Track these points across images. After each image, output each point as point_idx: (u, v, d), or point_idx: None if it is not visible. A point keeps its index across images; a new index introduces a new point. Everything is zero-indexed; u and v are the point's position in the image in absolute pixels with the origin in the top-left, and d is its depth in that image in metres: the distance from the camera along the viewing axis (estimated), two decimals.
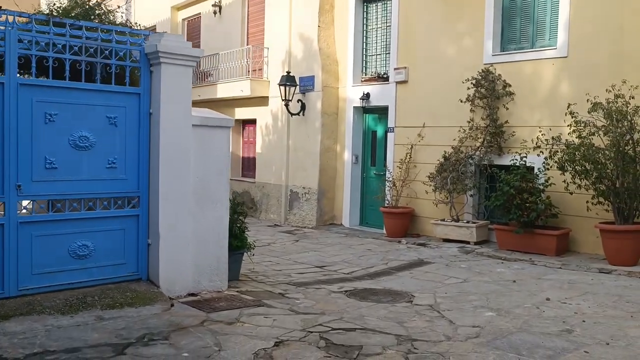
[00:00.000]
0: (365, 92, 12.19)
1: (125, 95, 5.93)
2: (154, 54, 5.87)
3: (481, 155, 10.21)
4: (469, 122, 10.34)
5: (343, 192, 12.82)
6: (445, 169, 10.50)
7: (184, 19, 18.37)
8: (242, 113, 15.31)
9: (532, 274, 7.95)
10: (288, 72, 12.84)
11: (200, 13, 17.38)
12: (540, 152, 8.95)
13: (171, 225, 6.06)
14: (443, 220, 10.50)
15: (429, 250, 9.88)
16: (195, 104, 16.92)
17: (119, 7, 8.80)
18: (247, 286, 7.20)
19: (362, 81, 12.52)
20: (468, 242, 10.01)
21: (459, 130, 10.42)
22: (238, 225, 7.46)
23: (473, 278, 7.81)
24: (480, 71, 10.14)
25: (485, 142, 10.13)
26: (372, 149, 12.68)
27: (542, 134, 8.98)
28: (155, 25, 19.15)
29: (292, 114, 13.16)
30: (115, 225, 5.91)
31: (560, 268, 8.26)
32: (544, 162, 8.98)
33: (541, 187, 9.12)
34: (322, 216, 12.91)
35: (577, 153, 8.21)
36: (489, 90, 10.07)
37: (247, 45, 14.68)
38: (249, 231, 7.83)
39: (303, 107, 13.09)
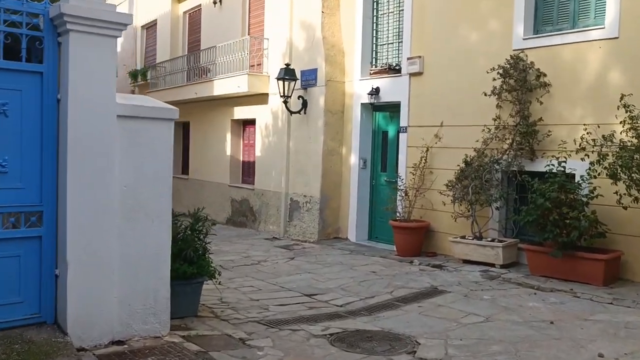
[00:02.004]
0: (375, 87, 10.52)
1: (21, 74, 4.37)
2: (60, 18, 4.32)
3: (509, 160, 8.47)
4: (495, 119, 8.61)
5: (349, 201, 11.16)
6: (466, 175, 8.78)
7: (185, 12, 16.96)
8: (241, 112, 13.78)
9: (574, 312, 6.19)
10: (287, 65, 11.25)
11: (200, 5, 15.94)
12: (585, 155, 7.18)
13: (86, 249, 4.49)
14: (463, 237, 8.76)
15: (445, 275, 8.16)
16: (192, 103, 15.57)
17: None
18: (203, 326, 5.59)
19: (370, 74, 10.86)
20: (493, 265, 8.27)
21: (483, 130, 8.70)
22: (196, 246, 5.87)
23: (498, 316, 6.08)
24: (509, 58, 8.41)
25: (514, 143, 8.39)
26: (382, 152, 11.01)
27: (587, 133, 7.21)
28: (156, 19, 17.87)
29: (291, 112, 11.56)
30: (6, 250, 4.36)
31: (611, 304, 6.47)
32: (588, 169, 7.19)
33: (585, 199, 7.34)
34: (325, 229, 11.26)
35: (636, 156, 6.43)
36: (520, 82, 8.33)
37: (248, 36, 13.11)
38: (211, 253, 6.26)
39: (304, 105, 11.48)
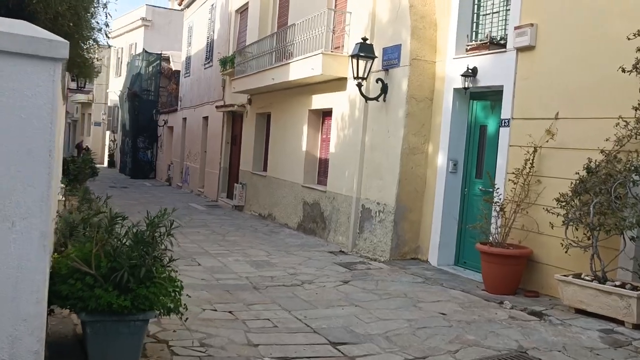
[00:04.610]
0: (471, 67, 8.08)
1: None
2: None
3: None
4: (636, 108, 5.90)
5: (433, 213, 8.77)
6: (587, 188, 6.14)
7: None
8: (319, 101, 11.81)
9: None
10: (364, 39, 9.09)
11: None
12: None
13: None
14: (578, 276, 6.13)
15: (545, 330, 5.60)
16: (273, 91, 13.61)
17: None
18: None
19: (467, 50, 8.41)
20: (621, 323, 5.59)
21: (618, 124, 6.02)
22: (137, 265, 3.92)
23: None
24: None
25: None
26: (478, 153, 8.52)
27: None
28: (248, 2, 16.41)
29: (367, 99, 9.38)
30: None
31: None
32: None
33: None
34: (400, 246, 8.95)
35: None
36: None
37: (326, 9, 11.07)
38: (173, 275, 4.29)
39: (384, 89, 9.26)
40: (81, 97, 36.15)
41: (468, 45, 8.38)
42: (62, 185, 8.11)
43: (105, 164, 33.49)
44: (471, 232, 8.23)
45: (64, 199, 8.33)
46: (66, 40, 2.99)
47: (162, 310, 4.06)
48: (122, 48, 34.77)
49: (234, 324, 5.47)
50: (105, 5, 7.24)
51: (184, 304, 4.28)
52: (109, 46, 12.87)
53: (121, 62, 34.52)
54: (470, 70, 8.07)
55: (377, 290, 7.18)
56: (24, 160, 2.95)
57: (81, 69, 7.89)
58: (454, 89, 8.48)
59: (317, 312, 6.10)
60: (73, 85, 20.84)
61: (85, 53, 7.75)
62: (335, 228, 10.60)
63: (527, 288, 6.97)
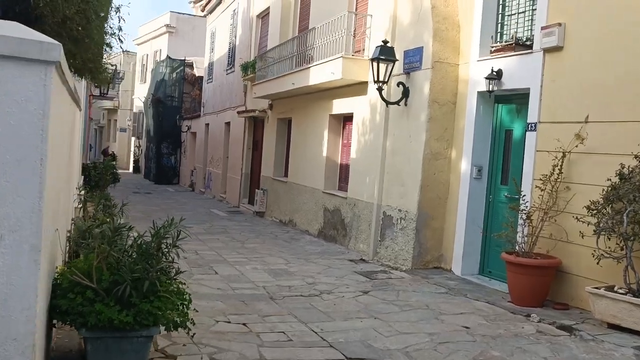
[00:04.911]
0: (495, 69, 7.78)
1: None
2: None
3: None
4: None
5: (456, 221, 8.47)
6: (620, 196, 5.82)
7: None
8: (340, 106, 11.57)
9: None
10: (384, 42, 8.84)
11: None
12: None
13: None
14: (610, 288, 5.79)
15: (575, 346, 5.28)
16: (294, 97, 13.37)
17: None
18: None
19: (491, 52, 8.10)
20: None
21: None
22: (140, 278, 3.74)
23: None
24: None
25: None
26: (504, 158, 8.20)
27: None
28: (269, 7, 16.29)
29: (388, 103, 9.13)
30: None
31: None
32: None
33: None
34: (422, 255, 8.66)
35: None
36: None
37: (346, 12, 10.84)
38: (182, 288, 4.10)
39: (405, 93, 8.99)
40: (107, 104, 36.51)
41: (492, 47, 8.08)
42: (78, 191, 8.01)
43: (131, 169, 33.72)
44: (496, 241, 7.90)
45: (80, 205, 8.24)
46: (58, 43, 2.81)
47: (167, 325, 3.87)
48: (147, 54, 35.04)
49: (247, 337, 5.27)
50: (118, 9, 7.12)
51: (192, 319, 4.09)
52: (123, 51, 12.80)
53: (146, 69, 34.75)
54: (494, 73, 7.77)
55: (398, 301, 6.91)
56: (13, 169, 2.78)
57: (94, 74, 7.77)
58: (477, 92, 8.19)
59: (334, 324, 5.87)
60: (97, 91, 20.93)
61: (100, 58, 7.63)
62: (356, 235, 10.35)
63: (556, 300, 6.64)
